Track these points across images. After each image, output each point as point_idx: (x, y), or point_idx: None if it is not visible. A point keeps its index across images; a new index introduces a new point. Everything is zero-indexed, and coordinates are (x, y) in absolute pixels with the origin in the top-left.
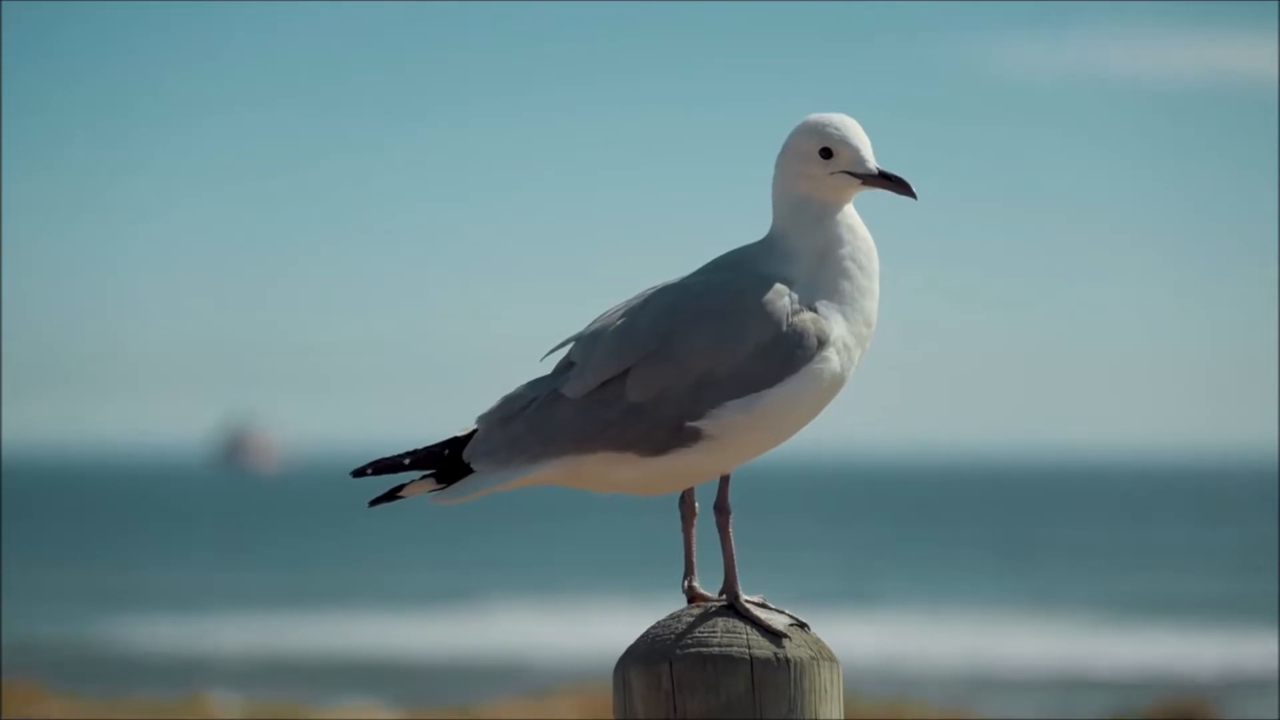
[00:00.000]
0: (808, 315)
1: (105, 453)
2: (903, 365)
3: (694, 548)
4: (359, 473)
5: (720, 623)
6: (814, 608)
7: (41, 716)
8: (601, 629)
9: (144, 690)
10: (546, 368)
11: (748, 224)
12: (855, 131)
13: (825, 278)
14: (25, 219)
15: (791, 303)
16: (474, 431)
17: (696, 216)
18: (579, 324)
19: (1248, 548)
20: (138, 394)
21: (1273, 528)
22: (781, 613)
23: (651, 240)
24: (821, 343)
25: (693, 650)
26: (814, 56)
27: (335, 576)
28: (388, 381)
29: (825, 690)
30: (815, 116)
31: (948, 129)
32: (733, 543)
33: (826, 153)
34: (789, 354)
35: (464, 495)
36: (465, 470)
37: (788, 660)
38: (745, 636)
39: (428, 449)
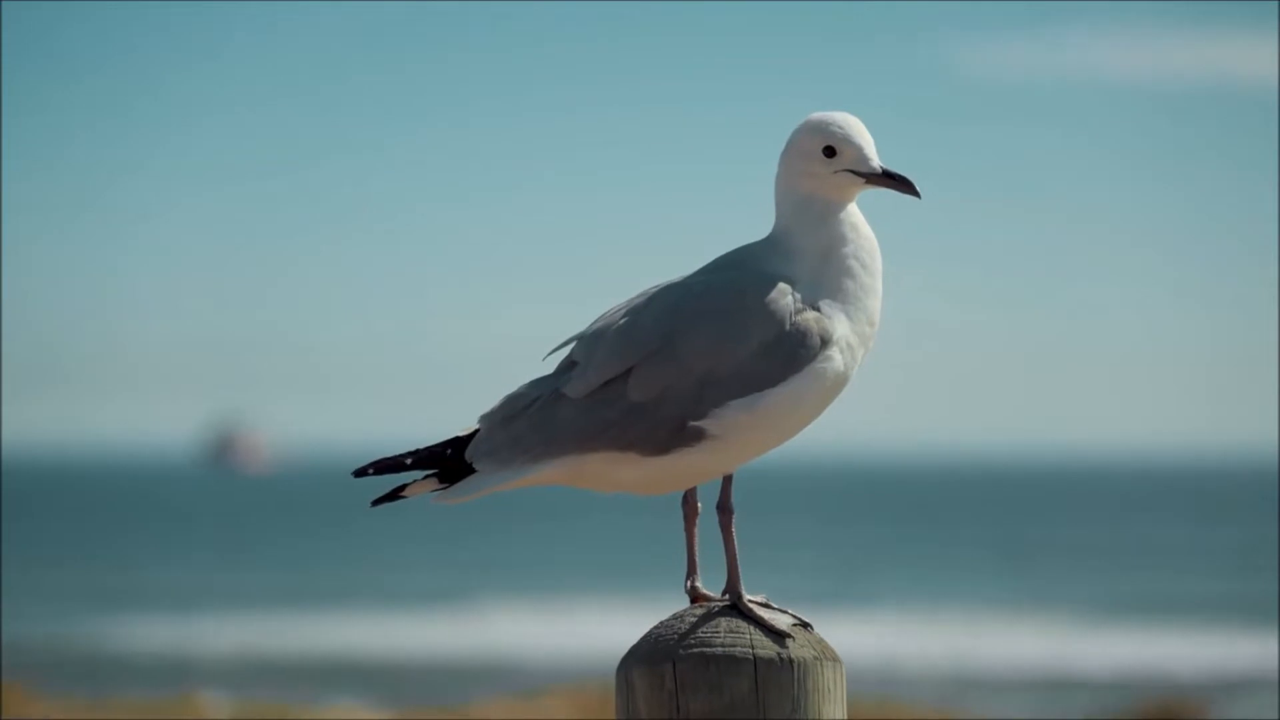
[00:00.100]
0: (811, 314)
1: (105, 453)
2: (903, 365)
3: (696, 547)
4: (360, 472)
5: (724, 623)
6: (810, 608)
7: (39, 717)
8: (595, 629)
9: (133, 691)
10: (549, 367)
11: (748, 224)
12: (859, 130)
13: (828, 276)
14: (25, 219)
15: (794, 302)
16: (476, 431)
17: (696, 216)
18: (579, 324)
19: (1248, 548)
20: (137, 394)
21: (1273, 528)
22: (785, 612)
23: (651, 240)
24: (825, 342)
25: (696, 650)
26: (814, 56)
27: (327, 576)
28: (388, 381)
29: (829, 690)
30: (818, 115)
31: (948, 129)
32: (736, 542)
33: (830, 151)
34: (792, 353)
35: (466, 495)
36: (467, 470)
37: (791, 660)
38: (749, 636)
39: (429, 448)
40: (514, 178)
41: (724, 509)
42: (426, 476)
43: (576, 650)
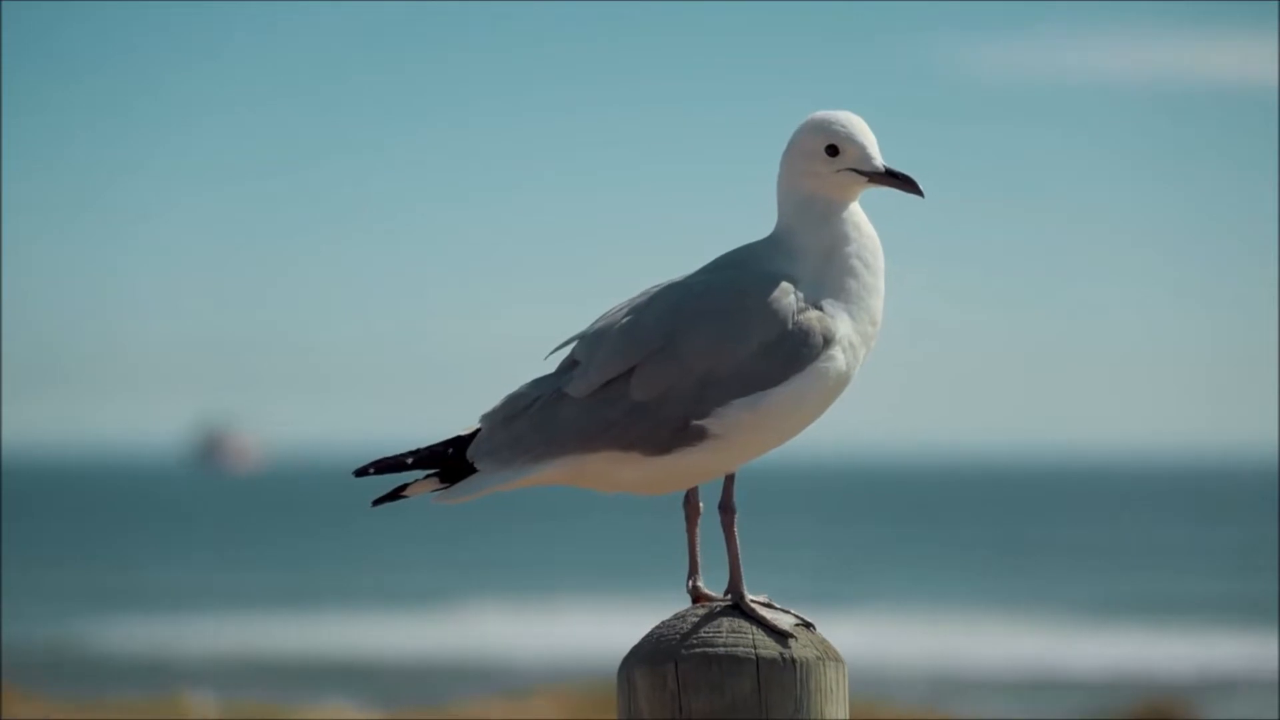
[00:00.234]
0: (813, 313)
1: (104, 453)
2: (903, 365)
3: (698, 547)
4: (361, 472)
5: (725, 622)
6: (811, 608)
7: (39, 717)
8: (585, 629)
9: (119, 691)
10: (550, 366)
11: (749, 224)
12: (861, 129)
13: (831, 276)
14: (25, 219)
15: (796, 301)
16: (477, 430)
17: (696, 216)
18: (579, 324)
19: (1248, 548)
20: (137, 394)
21: (1273, 528)
22: (787, 612)
23: (651, 240)
24: (827, 341)
25: (698, 650)
26: (814, 56)
27: (318, 577)
28: (388, 381)
29: (831, 690)
30: (821, 114)
31: (948, 129)
32: (738, 542)
33: (832, 150)
34: (794, 352)
35: (467, 495)
36: (468, 470)
37: (794, 660)
38: (751, 636)
39: (430, 448)
40: (514, 178)
41: (726, 509)
42: (427, 476)
43: (566, 650)
